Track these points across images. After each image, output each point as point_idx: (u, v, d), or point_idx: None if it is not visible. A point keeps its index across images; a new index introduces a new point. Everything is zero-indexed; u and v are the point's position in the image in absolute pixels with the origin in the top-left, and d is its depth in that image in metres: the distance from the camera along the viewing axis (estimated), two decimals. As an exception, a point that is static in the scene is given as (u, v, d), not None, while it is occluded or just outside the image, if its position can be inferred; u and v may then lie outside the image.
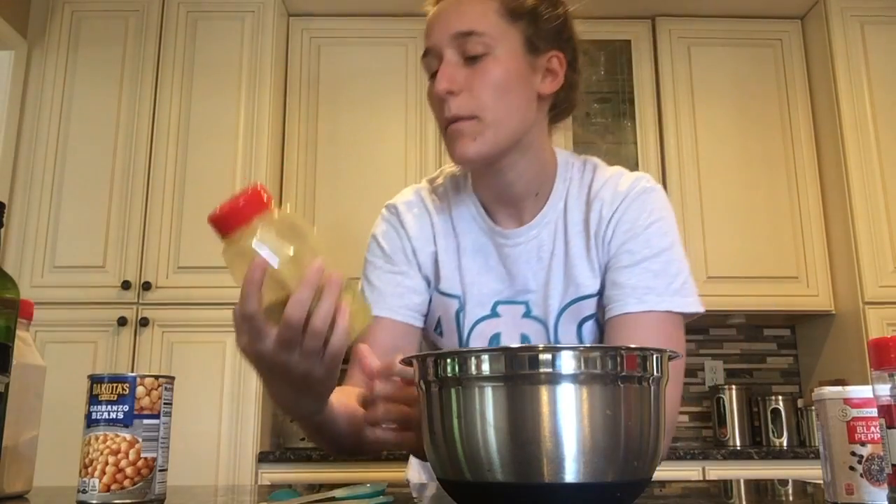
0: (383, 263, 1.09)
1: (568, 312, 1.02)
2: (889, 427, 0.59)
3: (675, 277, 0.99)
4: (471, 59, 0.96)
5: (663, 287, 0.98)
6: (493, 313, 1.05)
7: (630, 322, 0.97)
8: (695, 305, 1.00)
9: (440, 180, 1.13)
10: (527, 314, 1.05)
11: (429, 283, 1.09)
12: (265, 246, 0.70)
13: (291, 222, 0.74)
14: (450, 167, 1.14)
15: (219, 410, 2.47)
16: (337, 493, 0.70)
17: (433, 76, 0.99)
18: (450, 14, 0.98)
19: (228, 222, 0.71)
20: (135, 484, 0.71)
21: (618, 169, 1.08)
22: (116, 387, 0.72)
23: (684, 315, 1.00)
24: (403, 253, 1.09)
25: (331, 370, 0.75)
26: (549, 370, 0.56)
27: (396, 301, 1.07)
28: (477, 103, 0.95)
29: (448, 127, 0.97)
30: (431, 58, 0.99)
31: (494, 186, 1.04)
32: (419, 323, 1.09)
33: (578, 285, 1.02)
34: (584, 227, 1.04)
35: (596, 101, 3.12)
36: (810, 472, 2.42)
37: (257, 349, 0.72)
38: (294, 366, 0.72)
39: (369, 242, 1.13)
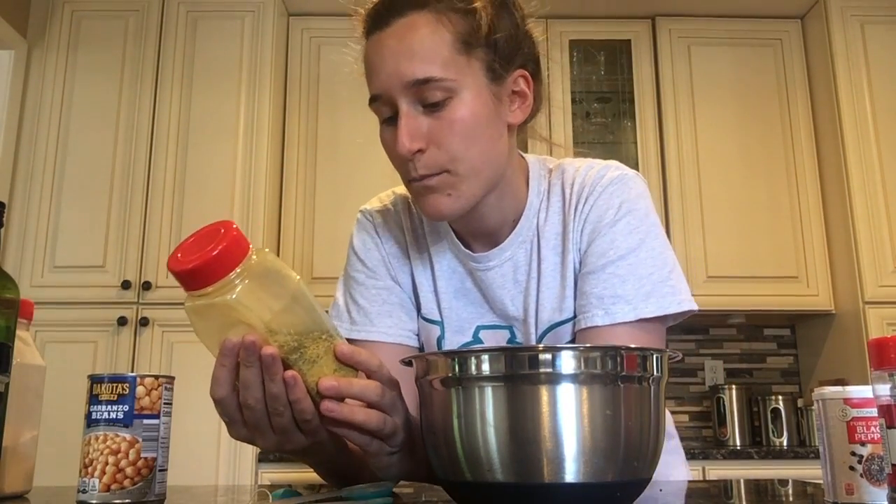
0: (366, 279, 1.00)
1: (547, 339, 0.93)
2: (889, 427, 0.59)
3: (646, 278, 0.87)
4: (431, 106, 0.84)
5: (633, 292, 0.87)
6: (476, 339, 0.97)
7: (598, 336, 0.87)
8: (678, 304, 0.87)
9: None
10: (511, 340, 0.96)
11: (413, 305, 1.01)
12: (246, 304, 0.63)
13: (270, 267, 0.66)
14: None
15: (219, 410, 2.46)
16: (344, 492, 0.70)
17: (386, 121, 0.88)
18: (398, 56, 0.84)
19: (201, 278, 0.63)
20: (135, 484, 0.71)
21: (586, 162, 0.97)
22: (116, 387, 0.72)
23: (667, 317, 0.88)
24: (384, 265, 1.01)
25: (318, 438, 0.70)
26: (549, 370, 0.56)
27: (386, 321, 0.98)
28: (447, 157, 0.84)
29: (414, 183, 0.87)
30: (382, 105, 0.87)
31: (465, 223, 0.96)
32: (416, 344, 1.00)
33: (554, 309, 0.93)
34: (561, 241, 0.94)
35: (596, 101, 3.12)
36: (810, 472, 2.42)
37: (235, 434, 0.70)
38: (275, 443, 0.70)
39: (348, 254, 1.04)
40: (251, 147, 2.71)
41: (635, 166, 2.88)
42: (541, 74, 0.94)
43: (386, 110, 0.87)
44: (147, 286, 2.57)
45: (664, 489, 0.86)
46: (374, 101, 0.87)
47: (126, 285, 2.57)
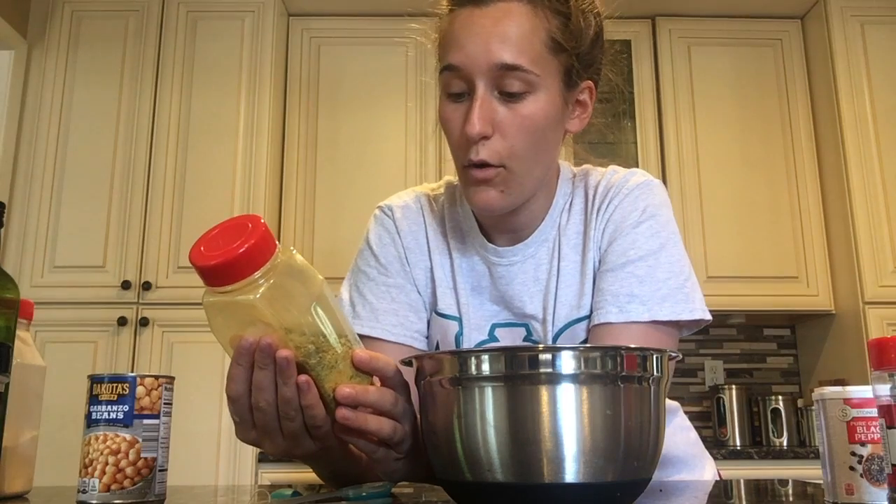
0: (377, 275, 0.99)
1: (564, 336, 0.92)
2: (889, 427, 0.58)
3: (663, 282, 0.88)
4: (507, 96, 0.85)
5: (648, 294, 0.87)
6: (492, 337, 0.96)
7: (610, 333, 0.87)
8: (691, 312, 0.88)
9: (440, 191, 1.04)
10: (528, 338, 0.95)
11: (425, 304, 0.99)
12: (267, 305, 0.61)
13: (296, 268, 0.64)
14: (451, 176, 1.03)
15: (219, 410, 2.47)
16: (343, 492, 0.70)
17: (451, 96, 0.87)
18: (490, 36, 0.84)
19: (225, 275, 0.60)
20: (135, 484, 0.71)
21: (610, 167, 1.01)
22: (116, 387, 0.72)
23: (679, 323, 0.88)
24: (399, 261, 0.99)
25: (326, 444, 0.70)
26: (549, 370, 0.56)
27: (391, 319, 0.96)
28: (509, 151, 0.85)
29: (471, 169, 0.87)
30: (456, 78, 0.86)
31: (497, 219, 0.95)
32: (420, 345, 0.98)
33: (572, 306, 0.93)
34: (581, 240, 0.95)
35: (596, 101, 3.11)
36: (810, 472, 2.42)
37: (243, 436, 0.69)
38: (284, 448, 0.69)
39: (361, 248, 1.02)
40: (251, 147, 2.71)
41: (635, 167, 2.87)
42: (598, 84, 0.97)
43: (457, 84, 0.87)
44: (147, 286, 2.57)
45: (664, 489, 0.86)
46: (448, 70, 0.87)
47: (126, 285, 2.57)
